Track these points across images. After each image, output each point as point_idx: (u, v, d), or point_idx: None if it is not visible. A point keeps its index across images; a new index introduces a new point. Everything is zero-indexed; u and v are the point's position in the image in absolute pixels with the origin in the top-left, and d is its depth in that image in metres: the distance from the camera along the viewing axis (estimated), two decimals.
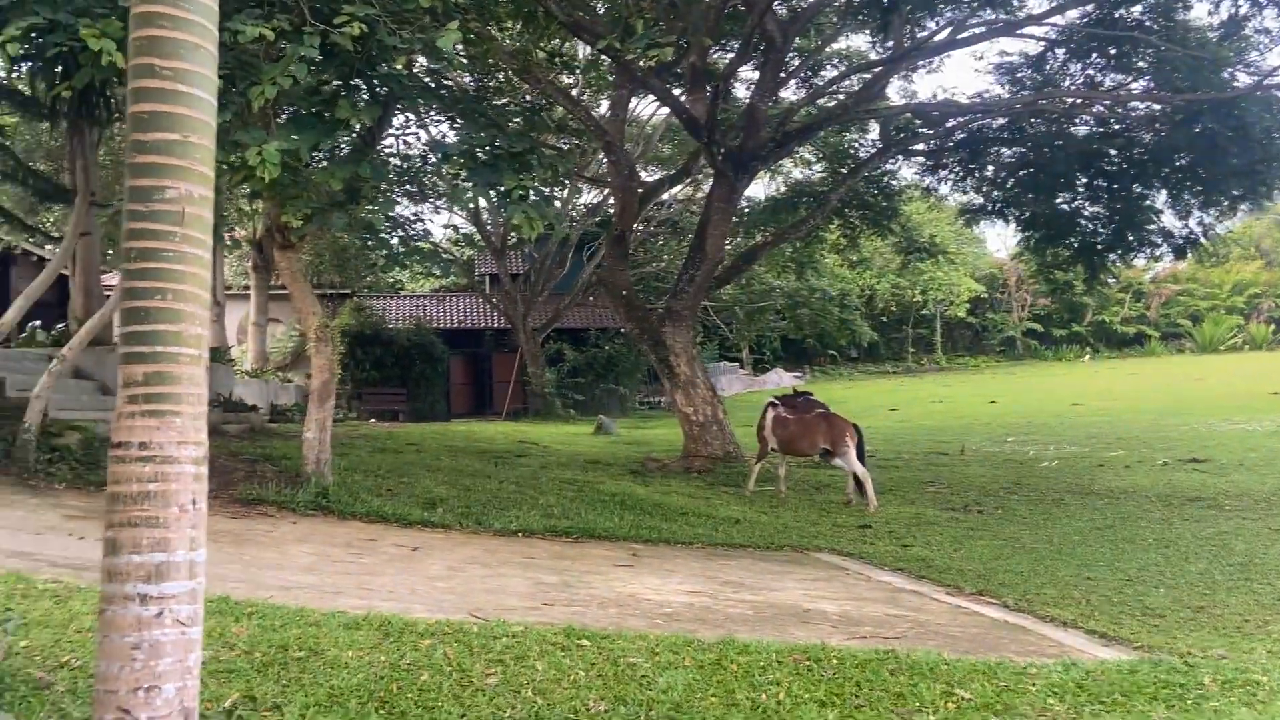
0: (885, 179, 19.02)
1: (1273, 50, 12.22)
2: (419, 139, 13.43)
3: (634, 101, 20.96)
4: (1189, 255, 15.52)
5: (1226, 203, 14.07)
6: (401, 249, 11.11)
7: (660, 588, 6.56)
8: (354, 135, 8.54)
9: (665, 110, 21.38)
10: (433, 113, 11.98)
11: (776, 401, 12.30)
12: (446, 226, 33.50)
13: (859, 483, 11.05)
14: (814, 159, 21.46)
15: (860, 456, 11.17)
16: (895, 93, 17.48)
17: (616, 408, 28.84)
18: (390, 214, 11.10)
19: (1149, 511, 10.52)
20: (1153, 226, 15.50)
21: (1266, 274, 49.14)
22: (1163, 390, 28.19)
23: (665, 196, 27.24)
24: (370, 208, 8.89)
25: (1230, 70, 12.35)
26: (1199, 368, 35.30)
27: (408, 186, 12.45)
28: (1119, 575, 7.42)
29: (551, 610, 5.62)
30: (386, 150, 10.24)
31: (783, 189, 21.96)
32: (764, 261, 27.06)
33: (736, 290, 32.32)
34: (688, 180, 22.19)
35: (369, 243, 16.14)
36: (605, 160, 18.69)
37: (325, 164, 8.17)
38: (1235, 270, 48.98)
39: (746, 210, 21.96)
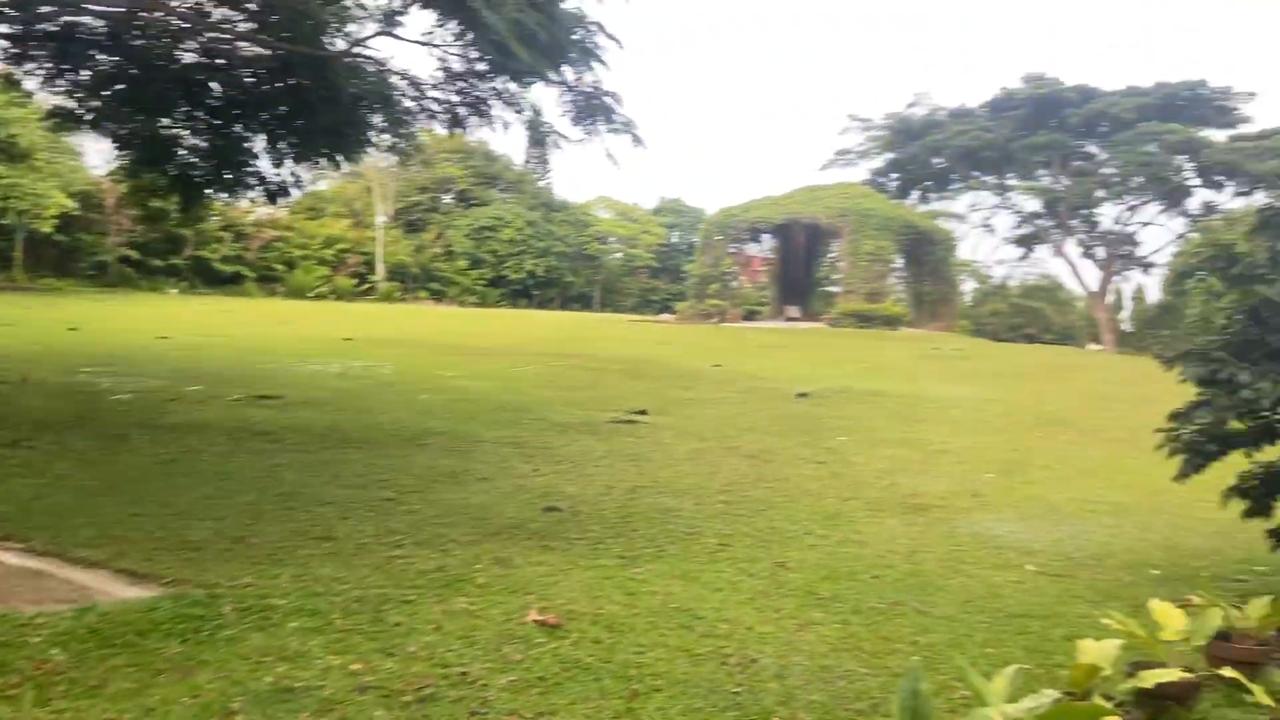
0: None
1: (367, 23, 13.40)
2: None
3: None
4: (279, 202, 16.34)
5: (317, 158, 15.16)
6: None
7: None
8: None
9: None
10: None
11: None
12: None
13: None
14: None
15: None
16: None
17: None
18: None
19: (215, 445, 10.69)
20: (251, 169, 15.84)
21: (354, 232, 55.15)
22: (251, 330, 29.38)
23: None
24: None
25: (329, 33, 13.24)
26: (288, 311, 37.80)
27: None
28: (168, 510, 7.29)
29: None
30: None
31: None
32: None
33: None
34: None
35: None
36: None
37: None
38: (329, 225, 53.89)
39: None
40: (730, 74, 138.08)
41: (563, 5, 11.36)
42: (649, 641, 4.86)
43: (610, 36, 12.12)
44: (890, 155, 55.84)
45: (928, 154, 53.60)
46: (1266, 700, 4.26)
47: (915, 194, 56.91)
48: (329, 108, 12.99)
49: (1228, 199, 48.70)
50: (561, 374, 20.00)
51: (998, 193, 55.58)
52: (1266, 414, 6.42)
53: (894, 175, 56.23)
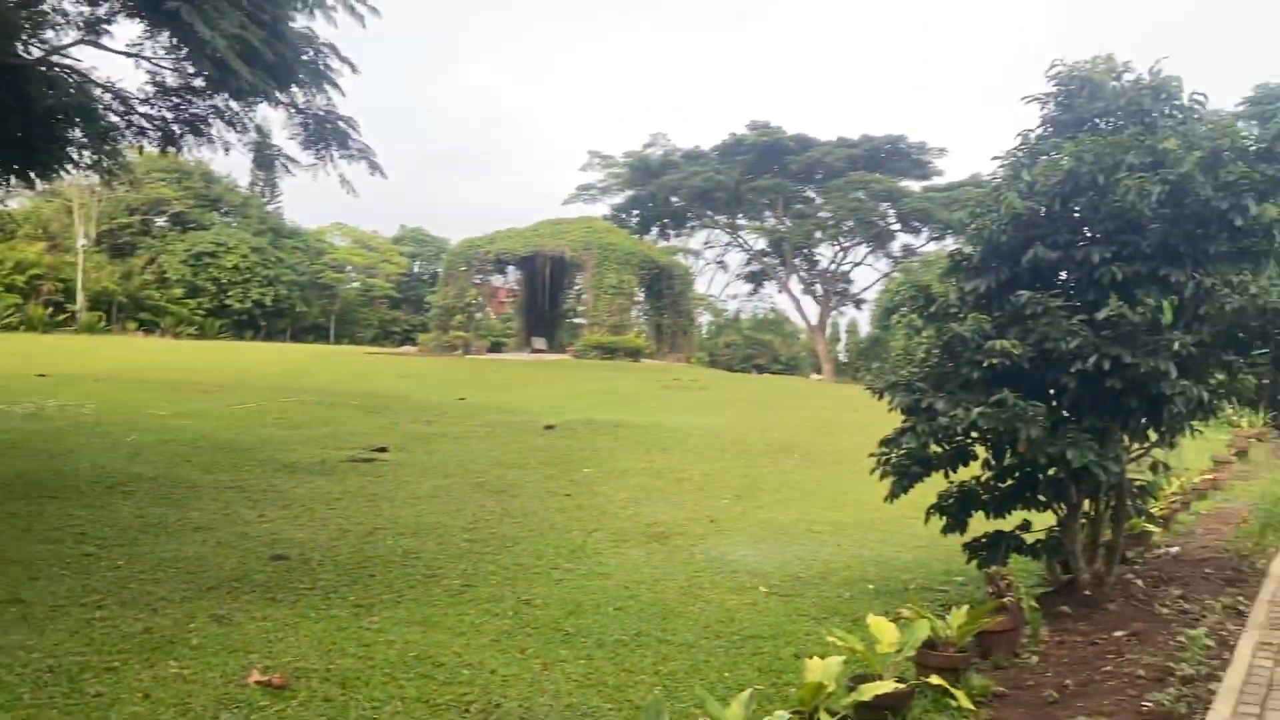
0: None
1: (68, 30, 12.11)
2: None
3: None
4: None
5: (5, 175, 13.46)
6: None
7: None
8: None
9: None
10: None
11: None
12: None
13: None
14: None
15: None
16: None
17: None
18: None
19: None
20: None
21: (50, 257, 49.60)
22: None
23: None
24: None
25: (22, 39, 11.85)
26: None
27: None
28: None
29: None
30: None
31: None
32: None
33: None
34: None
35: None
36: None
37: None
38: (20, 248, 48.21)
39: None
40: (473, 102, 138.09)
41: (293, 25, 10.84)
42: (385, 695, 4.61)
43: (344, 60, 11.71)
44: (630, 192, 57.81)
45: (665, 193, 55.99)
46: (967, 704, 4.68)
47: (655, 230, 59.23)
48: (19, 120, 11.59)
49: (923, 243, 54.54)
50: (291, 410, 18.88)
51: (729, 231, 59.02)
52: (960, 438, 7.14)
53: (634, 212, 58.24)
